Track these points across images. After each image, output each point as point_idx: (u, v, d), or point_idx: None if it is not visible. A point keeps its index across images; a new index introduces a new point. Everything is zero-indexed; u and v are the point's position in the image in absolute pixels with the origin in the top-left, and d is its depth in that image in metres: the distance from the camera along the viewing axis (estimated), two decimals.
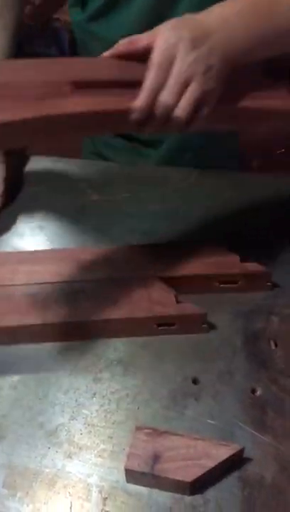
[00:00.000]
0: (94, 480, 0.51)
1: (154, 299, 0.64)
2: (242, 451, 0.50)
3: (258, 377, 0.59)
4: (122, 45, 0.56)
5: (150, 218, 0.81)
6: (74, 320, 0.62)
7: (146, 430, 0.51)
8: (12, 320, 0.62)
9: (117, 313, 0.62)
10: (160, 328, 0.63)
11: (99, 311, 0.63)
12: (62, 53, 3.00)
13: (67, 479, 0.51)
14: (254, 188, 0.88)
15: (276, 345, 0.63)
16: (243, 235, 0.78)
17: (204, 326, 0.63)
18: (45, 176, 0.94)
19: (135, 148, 0.97)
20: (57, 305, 0.63)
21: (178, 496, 0.49)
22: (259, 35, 0.56)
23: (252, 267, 0.67)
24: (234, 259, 0.68)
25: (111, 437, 0.54)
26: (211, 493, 0.49)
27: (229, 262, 0.67)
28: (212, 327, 0.64)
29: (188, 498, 0.49)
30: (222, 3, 0.57)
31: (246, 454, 0.51)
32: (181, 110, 0.52)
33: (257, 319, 0.65)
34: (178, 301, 0.64)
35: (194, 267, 0.67)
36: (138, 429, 0.51)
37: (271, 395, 0.57)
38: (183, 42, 0.51)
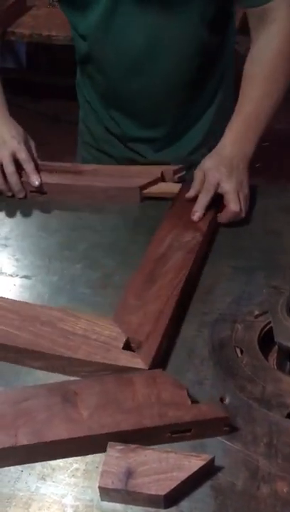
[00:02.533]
0: (68, 500, 0.51)
1: (165, 400, 0.55)
2: (212, 460, 0.51)
3: (226, 386, 0.60)
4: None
5: (113, 232, 0.81)
6: (71, 437, 0.53)
7: (118, 447, 0.51)
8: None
9: (121, 424, 0.53)
10: (173, 436, 0.54)
11: (97, 421, 0.53)
12: (19, 65, 2.99)
13: (41, 501, 0.51)
14: None
15: (241, 352, 0.64)
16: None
17: (226, 428, 0.55)
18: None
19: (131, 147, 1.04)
20: (46, 414, 0.54)
21: (152, 510, 0.49)
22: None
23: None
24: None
25: (84, 456, 0.54)
26: (185, 504, 0.50)
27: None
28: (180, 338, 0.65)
29: None
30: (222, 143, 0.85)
31: (217, 463, 0.52)
32: None
33: (222, 328, 0.67)
34: (190, 398, 0.55)
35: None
36: (110, 446, 0.52)
37: (240, 403, 0.58)
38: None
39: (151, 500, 0.49)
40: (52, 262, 0.79)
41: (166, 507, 0.49)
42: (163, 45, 0.88)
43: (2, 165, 0.87)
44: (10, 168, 0.87)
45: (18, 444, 0.52)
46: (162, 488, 0.48)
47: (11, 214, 0.89)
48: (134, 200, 0.90)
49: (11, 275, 0.78)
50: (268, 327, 0.66)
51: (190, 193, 0.84)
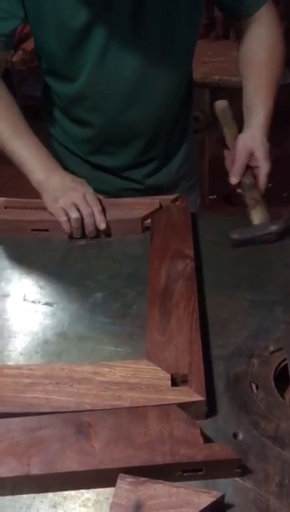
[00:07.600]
0: None
1: (177, 437, 0.54)
2: (222, 497, 0.51)
3: (240, 421, 0.60)
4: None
5: (133, 262, 0.83)
6: (82, 469, 0.53)
7: (128, 479, 0.52)
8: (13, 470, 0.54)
9: (132, 459, 0.53)
10: (184, 474, 0.54)
11: (109, 455, 0.54)
12: None
13: None
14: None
15: (257, 387, 0.64)
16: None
17: (238, 470, 0.55)
18: None
19: (126, 176, 1.07)
20: (59, 444, 0.55)
21: None
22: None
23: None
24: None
25: None
26: None
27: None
28: None
29: None
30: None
31: (227, 501, 0.52)
32: None
33: (238, 362, 0.67)
34: (203, 437, 0.55)
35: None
36: (121, 478, 0.52)
37: (253, 440, 0.58)
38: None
39: None
40: (74, 291, 0.81)
41: None
42: (158, 69, 0.92)
43: (78, 208, 0.88)
44: (87, 210, 0.88)
45: (31, 473, 0.53)
46: None
47: (36, 243, 0.91)
48: (136, 232, 0.91)
49: (34, 302, 0.80)
50: (284, 363, 0.66)
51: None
